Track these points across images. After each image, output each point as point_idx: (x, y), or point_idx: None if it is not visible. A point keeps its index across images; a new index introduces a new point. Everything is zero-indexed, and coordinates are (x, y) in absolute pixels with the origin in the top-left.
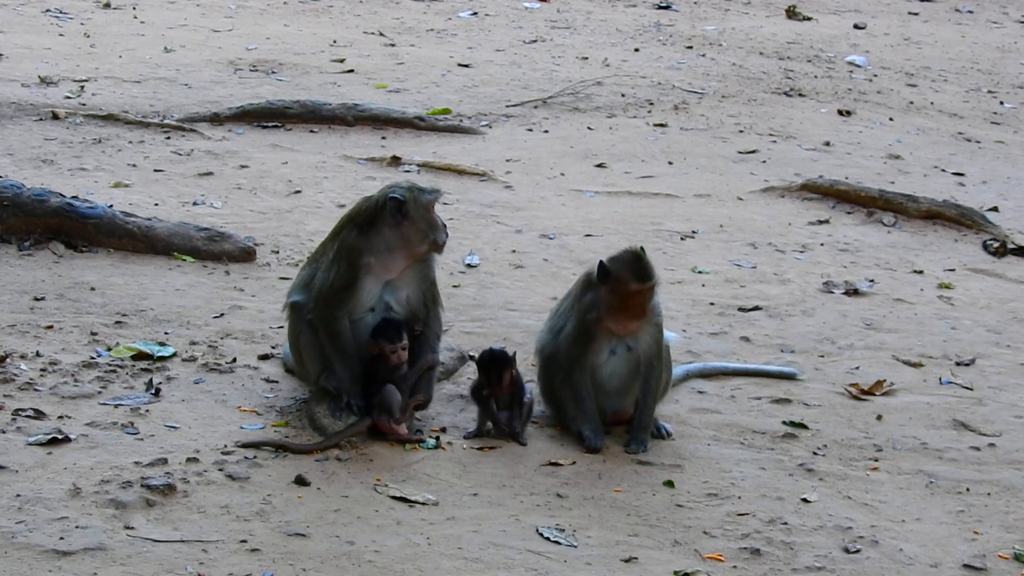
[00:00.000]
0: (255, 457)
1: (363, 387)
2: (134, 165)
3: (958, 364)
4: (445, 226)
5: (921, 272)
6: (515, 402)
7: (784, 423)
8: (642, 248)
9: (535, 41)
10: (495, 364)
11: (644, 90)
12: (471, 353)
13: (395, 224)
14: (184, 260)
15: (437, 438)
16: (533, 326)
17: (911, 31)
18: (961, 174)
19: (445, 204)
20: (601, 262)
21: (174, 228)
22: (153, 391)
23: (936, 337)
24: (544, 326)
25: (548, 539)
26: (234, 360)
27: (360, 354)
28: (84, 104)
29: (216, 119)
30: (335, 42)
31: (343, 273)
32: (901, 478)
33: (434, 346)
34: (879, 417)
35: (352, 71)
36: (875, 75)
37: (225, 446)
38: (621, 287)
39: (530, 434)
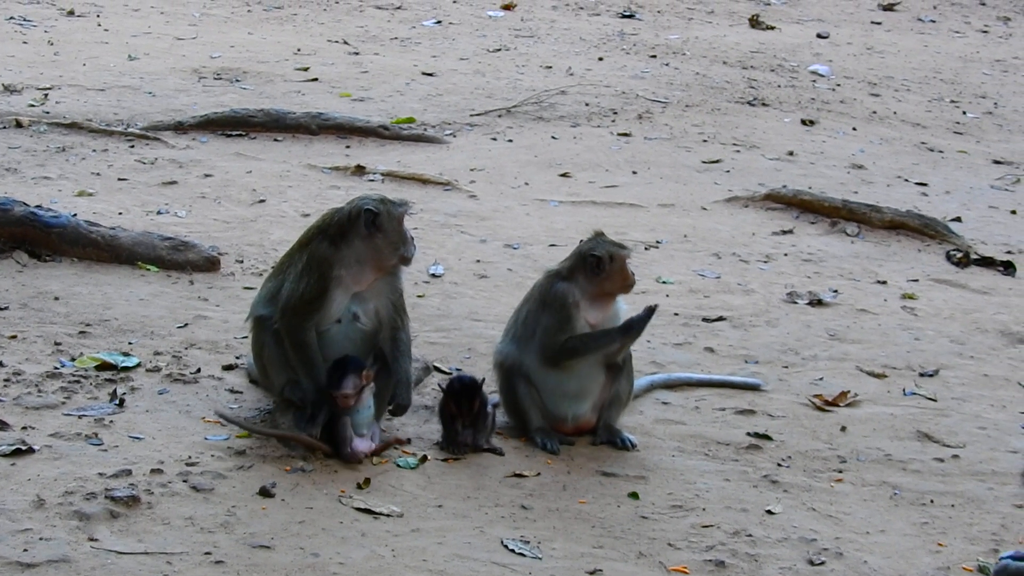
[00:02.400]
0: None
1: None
2: (98, 174)
3: (922, 375)
4: (413, 239)
5: (885, 282)
6: (480, 419)
7: (748, 434)
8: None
9: (499, 50)
10: (465, 393)
11: (608, 99)
12: (435, 363)
13: (367, 236)
14: (148, 270)
15: (424, 456)
16: (498, 336)
17: (874, 40)
18: (924, 184)
19: (411, 214)
20: (595, 255)
21: (138, 237)
22: (117, 402)
23: (900, 348)
24: (503, 338)
25: (513, 551)
26: (198, 370)
27: (325, 366)
28: (48, 112)
29: (180, 128)
30: (299, 51)
31: (313, 284)
32: (865, 489)
33: (407, 354)
34: (843, 428)
35: (316, 80)
36: (838, 85)
37: (189, 457)
38: (619, 263)
39: (494, 446)
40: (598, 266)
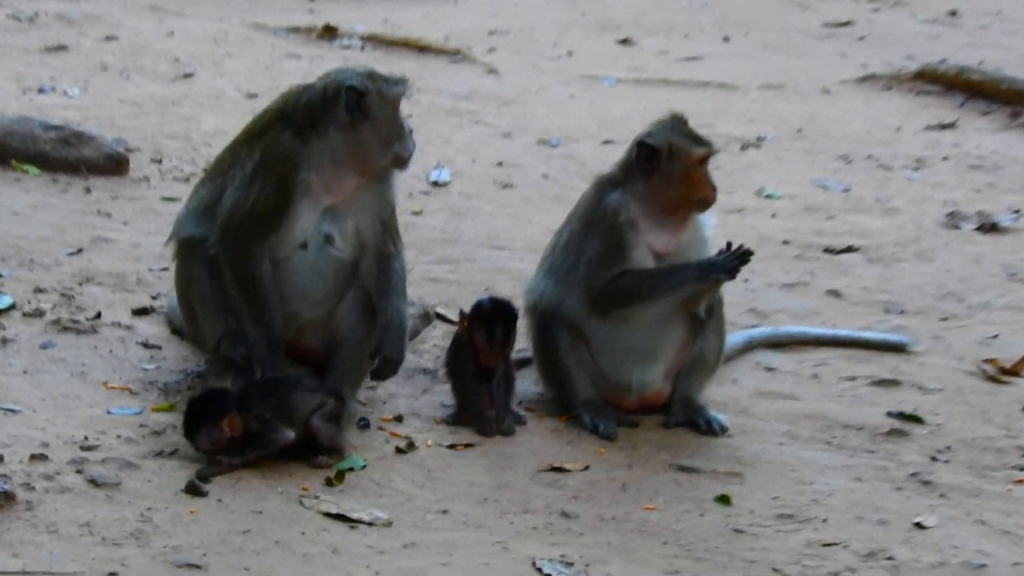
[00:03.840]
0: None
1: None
2: None
3: None
4: (411, 131)
5: None
6: (505, 378)
7: (890, 415)
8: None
9: None
10: (502, 316)
11: None
12: (437, 310)
13: (348, 125)
14: (25, 171)
15: (407, 444)
16: (528, 270)
17: None
18: None
19: (408, 96)
20: (643, 142)
21: (11, 125)
22: None
23: None
24: (537, 272)
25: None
26: (98, 316)
27: (282, 309)
28: None
29: None
30: None
31: (270, 192)
32: None
33: (400, 291)
34: None
35: None
36: None
37: (85, 438)
38: (682, 163)
39: (526, 427)
40: (649, 160)
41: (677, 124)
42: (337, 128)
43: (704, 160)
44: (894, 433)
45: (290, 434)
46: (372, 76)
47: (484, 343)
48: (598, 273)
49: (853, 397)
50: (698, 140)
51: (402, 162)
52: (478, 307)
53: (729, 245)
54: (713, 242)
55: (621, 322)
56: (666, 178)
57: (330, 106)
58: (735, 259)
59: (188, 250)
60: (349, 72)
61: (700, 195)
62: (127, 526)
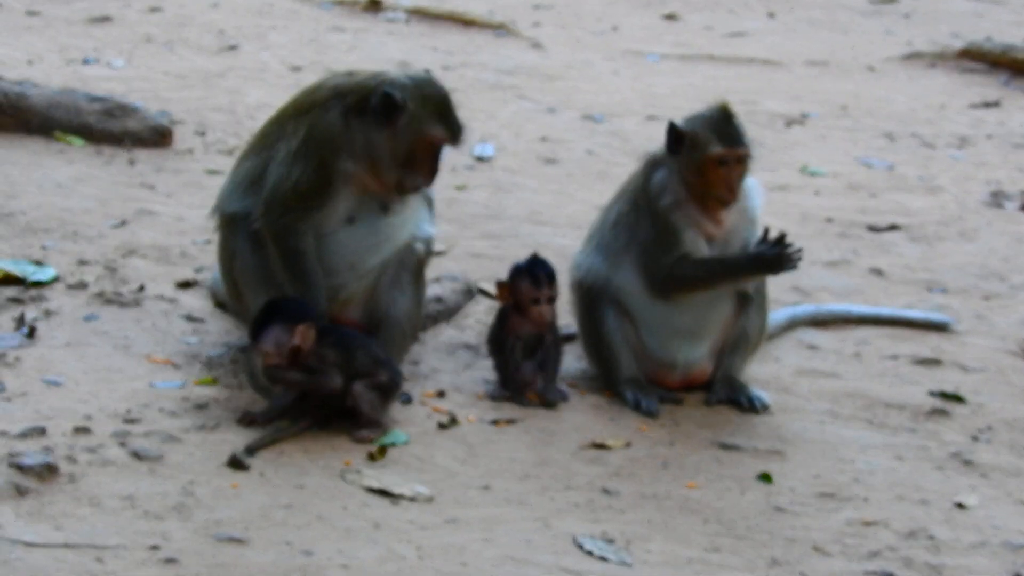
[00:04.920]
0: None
1: None
2: None
3: None
4: (436, 172)
5: None
6: (548, 353)
7: (931, 394)
8: (728, 105)
9: None
10: (543, 267)
11: None
12: (480, 285)
13: (376, 125)
14: (70, 143)
15: (449, 420)
16: (571, 247)
17: None
18: None
19: (446, 69)
20: (671, 123)
21: (56, 97)
22: (26, 330)
23: None
24: (585, 248)
25: (590, 553)
26: (141, 288)
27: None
28: None
29: None
30: None
31: (312, 172)
32: None
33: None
34: None
35: None
36: None
37: (128, 411)
38: (699, 156)
39: (569, 404)
40: (677, 144)
41: (717, 116)
42: (370, 124)
43: (722, 160)
44: (936, 412)
45: (338, 380)
46: (420, 94)
47: (531, 291)
48: (655, 257)
49: (895, 376)
50: (724, 138)
51: (403, 189)
52: (516, 267)
53: (766, 232)
54: (761, 224)
55: (672, 301)
56: (687, 166)
57: (370, 100)
58: (779, 248)
59: (231, 224)
60: (401, 78)
61: (715, 193)
62: (169, 500)
